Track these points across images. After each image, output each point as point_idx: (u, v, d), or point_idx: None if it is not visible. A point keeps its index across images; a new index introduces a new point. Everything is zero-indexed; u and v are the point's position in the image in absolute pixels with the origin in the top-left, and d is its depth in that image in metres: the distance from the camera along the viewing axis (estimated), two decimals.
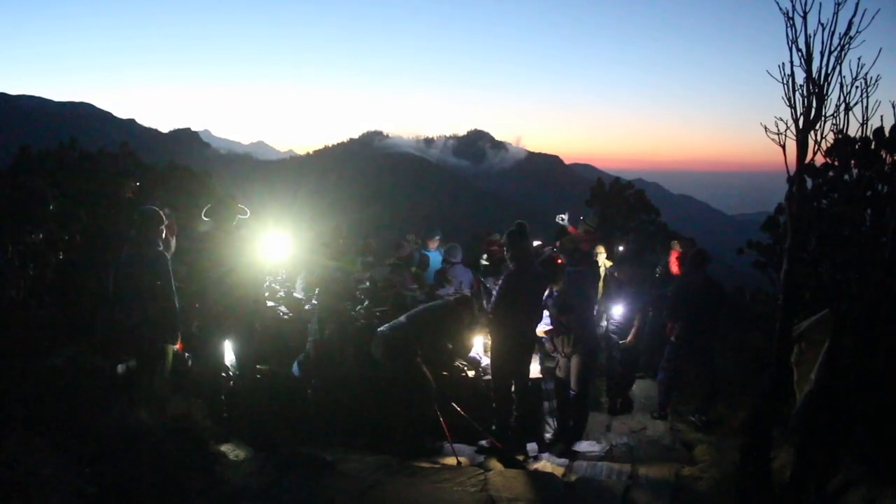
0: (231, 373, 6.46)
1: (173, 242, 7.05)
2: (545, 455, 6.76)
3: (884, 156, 4.89)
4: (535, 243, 9.16)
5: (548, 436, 7.18)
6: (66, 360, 5.22)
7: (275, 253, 7.97)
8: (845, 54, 4.29)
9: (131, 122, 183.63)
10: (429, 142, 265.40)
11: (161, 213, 6.60)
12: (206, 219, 6.27)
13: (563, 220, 10.69)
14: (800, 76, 4.45)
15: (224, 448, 5.48)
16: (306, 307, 8.20)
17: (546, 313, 7.02)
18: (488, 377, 6.96)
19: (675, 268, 9.00)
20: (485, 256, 9.29)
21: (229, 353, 6.44)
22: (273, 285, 8.77)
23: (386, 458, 6.00)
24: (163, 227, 6.45)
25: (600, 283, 8.96)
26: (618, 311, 8.25)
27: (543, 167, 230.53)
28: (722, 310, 7.73)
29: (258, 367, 6.64)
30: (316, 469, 5.54)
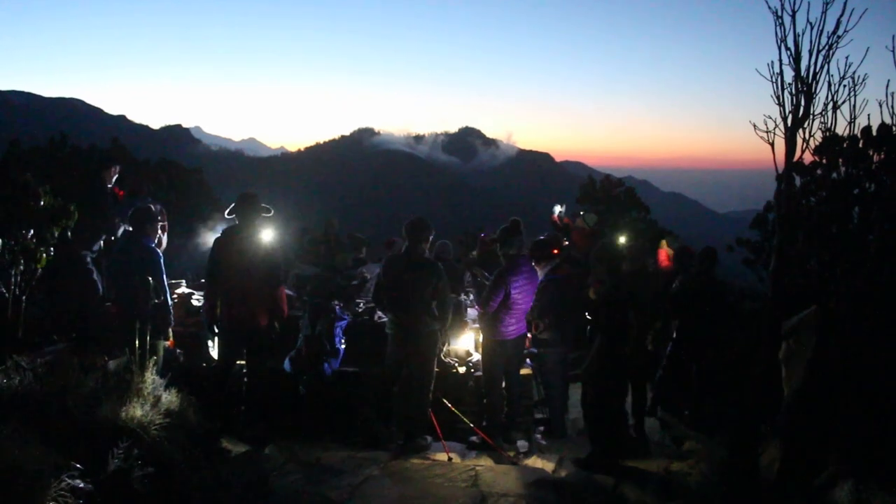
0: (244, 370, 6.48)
1: (164, 239, 7.06)
2: (537, 436, 6.82)
3: (871, 154, 4.94)
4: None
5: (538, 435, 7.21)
6: (57, 356, 5.22)
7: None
8: (833, 53, 4.34)
9: (122, 118, 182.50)
10: (419, 139, 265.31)
11: (153, 209, 6.61)
12: (228, 216, 6.26)
13: (560, 211, 10.69)
14: (788, 74, 4.49)
15: (218, 444, 5.50)
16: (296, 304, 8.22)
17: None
18: (479, 373, 7.00)
19: (664, 265, 8.99)
20: (474, 252, 9.32)
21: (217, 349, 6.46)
22: None
23: (377, 453, 6.03)
24: (155, 223, 6.47)
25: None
26: None
27: (534, 164, 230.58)
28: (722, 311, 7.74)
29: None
30: (308, 465, 5.57)
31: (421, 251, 6.35)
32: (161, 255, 6.43)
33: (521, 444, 6.77)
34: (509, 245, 6.69)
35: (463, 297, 8.47)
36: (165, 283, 6.34)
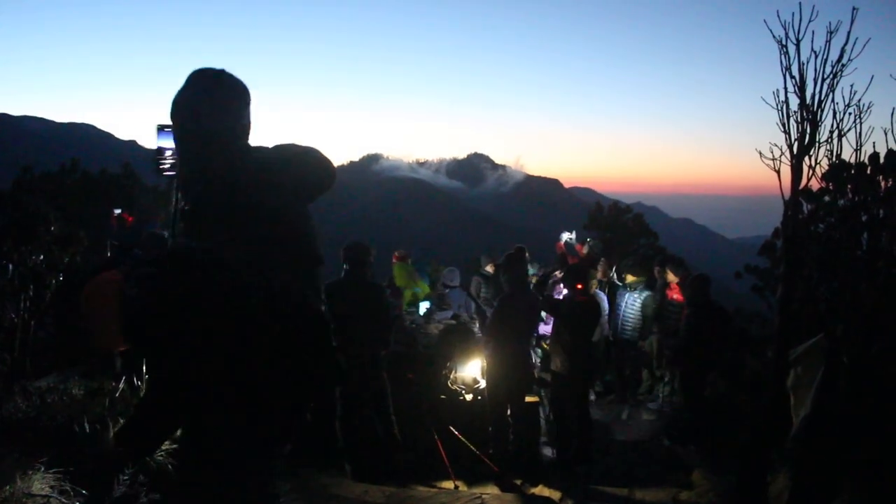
0: None
1: None
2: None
3: (880, 180, 4.94)
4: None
5: (547, 452, 7.17)
6: (65, 381, 5.22)
7: None
8: (838, 82, 4.36)
9: (132, 143, 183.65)
10: (428, 164, 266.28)
11: (164, 236, 6.66)
12: None
13: (571, 238, 10.69)
14: (794, 103, 4.53)
15: None
16: None
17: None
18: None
19: (676, 294, 8.98)
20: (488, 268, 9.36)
21: None
22: None
23: (383, 482, 5.98)
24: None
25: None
26: None
27: (543, 190, 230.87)
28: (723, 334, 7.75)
29: None
30: (314, 493, 5.53)
31: (363, 274, 6.37)
32: None
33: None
34: (513, 272, 6.69)
35: (470, 323, 8.46)
36: None
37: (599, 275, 9.79)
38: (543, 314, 7.62)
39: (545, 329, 8.06)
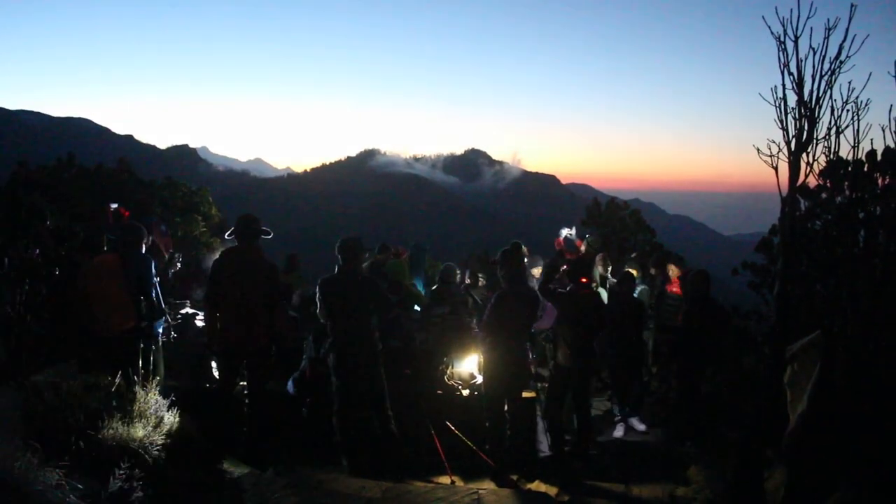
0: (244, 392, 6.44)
1: (173, 256, 7.07)
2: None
3: (877, 178, 4.95)
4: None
5: (543, 447, 7.17)
6: (61, 375, 5.21)
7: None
8: (836, 78, 4.36)
9: (129, 137, 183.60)
10: (425, 160, 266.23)
11: (143, 227, 6.59)
12: (228, 238, 6.25)
13: (570, 234, 10.68)
14: (791, 99, 4.52)
15: (219, 466, 5.46)
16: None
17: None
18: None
19: (675, 289, 8.97)
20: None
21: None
22: None
23: (379, 477, 5.98)
24: (146, 238, 6.47)
25: None
26: None
27: (540, 186, 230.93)
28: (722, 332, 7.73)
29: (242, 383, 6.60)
30: (310, 488, 5.53)
31: (357, 269, 6.40)
32: (153, 262, 6.45)
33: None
34: (509, 267, 6.68)
35: (467, 319, 8.46)
36: (153, 282, 6.35)
37: (600, 269, 9.74)
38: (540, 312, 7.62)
39: (540, 324, 8.06)
